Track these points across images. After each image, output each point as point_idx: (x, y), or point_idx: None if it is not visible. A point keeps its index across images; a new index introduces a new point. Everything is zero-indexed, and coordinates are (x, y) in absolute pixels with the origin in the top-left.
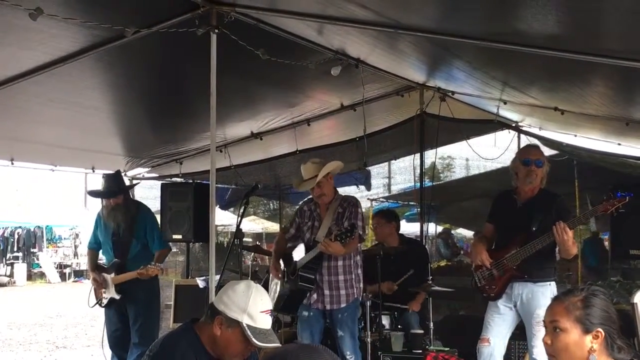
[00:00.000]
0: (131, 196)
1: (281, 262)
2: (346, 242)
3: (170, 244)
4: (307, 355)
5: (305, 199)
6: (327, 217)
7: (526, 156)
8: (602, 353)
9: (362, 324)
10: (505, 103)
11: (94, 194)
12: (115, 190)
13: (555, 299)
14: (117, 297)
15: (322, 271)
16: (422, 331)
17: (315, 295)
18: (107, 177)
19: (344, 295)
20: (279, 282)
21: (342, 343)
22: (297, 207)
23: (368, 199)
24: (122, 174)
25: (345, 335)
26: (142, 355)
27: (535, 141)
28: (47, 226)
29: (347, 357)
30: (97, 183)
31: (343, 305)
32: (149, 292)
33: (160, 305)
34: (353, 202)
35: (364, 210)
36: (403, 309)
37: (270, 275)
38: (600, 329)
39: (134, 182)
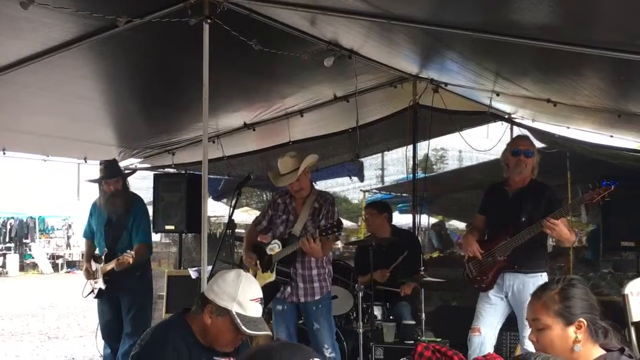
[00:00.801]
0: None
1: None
2: (329, 237)
3: (163, 234)
4: (291, 353)
5: (279, 191)
6: (304, 212)
7: (515, 146)
8: (588, 341)
9: (354, 315)
10: (497, 95)
11: (94, 179)
12: (115, 173)
13: (533, 296)
14: (102, 287)
15: (296, 265)
16: (414, 322)
17: (289, 289)
18: (106, 162)
19: (318, 287)
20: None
21: (320, 336)
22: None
23: (361, 190)
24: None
25: (321, 328)
26: (134, 345)
27: (528, 133)
28: (40, 217)
29: (325, 350)
30: (91, 174)
31: (317, 297)
32: (143, 282)
33: (153, 295)
34: (330, 200)
35: (357, 201)
36: (395, 300)
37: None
38: (582, 319)
39: (129, 171)
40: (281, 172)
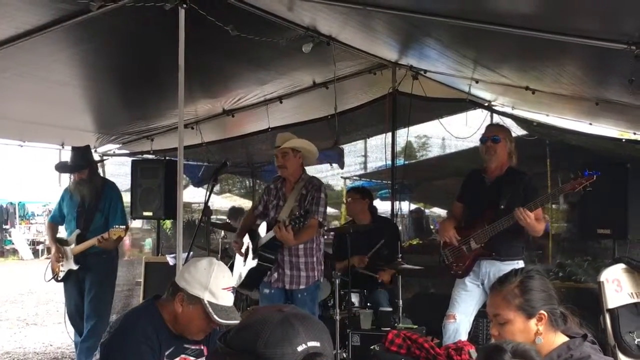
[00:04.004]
0: (99, 171)
1: (246, 238)
2: (299, 227)
3: (142, 221)
4: (281, 334)
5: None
6: (291, 198)
7: (484, 134)
8: (549, 331)
9: (332, 302)
10: (477, 82)
11: (59, 168)
12: (80, 164)
13: (492, 290)
14: (74, 267)
15: (283, 251)
16: (390, 309)
17: (275, 275)
18: (74, 151)
19: (304, 277)
20: (242, 258)
21: None
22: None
23: (342, 177)
24: (92, 150)
25: None
26: (94, 328)
27: (507, 120)
28: (20, 202)
29: None
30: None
31: (302, 286)
32: (107, 265)
33: (116, 280)
34: (317, 186)
35: (339, 188)
36: (373, 287)
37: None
38: (542, 311)
39: (104, 158)
40: (276, 144)
